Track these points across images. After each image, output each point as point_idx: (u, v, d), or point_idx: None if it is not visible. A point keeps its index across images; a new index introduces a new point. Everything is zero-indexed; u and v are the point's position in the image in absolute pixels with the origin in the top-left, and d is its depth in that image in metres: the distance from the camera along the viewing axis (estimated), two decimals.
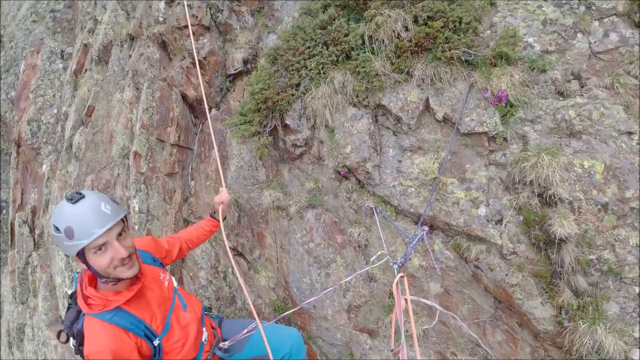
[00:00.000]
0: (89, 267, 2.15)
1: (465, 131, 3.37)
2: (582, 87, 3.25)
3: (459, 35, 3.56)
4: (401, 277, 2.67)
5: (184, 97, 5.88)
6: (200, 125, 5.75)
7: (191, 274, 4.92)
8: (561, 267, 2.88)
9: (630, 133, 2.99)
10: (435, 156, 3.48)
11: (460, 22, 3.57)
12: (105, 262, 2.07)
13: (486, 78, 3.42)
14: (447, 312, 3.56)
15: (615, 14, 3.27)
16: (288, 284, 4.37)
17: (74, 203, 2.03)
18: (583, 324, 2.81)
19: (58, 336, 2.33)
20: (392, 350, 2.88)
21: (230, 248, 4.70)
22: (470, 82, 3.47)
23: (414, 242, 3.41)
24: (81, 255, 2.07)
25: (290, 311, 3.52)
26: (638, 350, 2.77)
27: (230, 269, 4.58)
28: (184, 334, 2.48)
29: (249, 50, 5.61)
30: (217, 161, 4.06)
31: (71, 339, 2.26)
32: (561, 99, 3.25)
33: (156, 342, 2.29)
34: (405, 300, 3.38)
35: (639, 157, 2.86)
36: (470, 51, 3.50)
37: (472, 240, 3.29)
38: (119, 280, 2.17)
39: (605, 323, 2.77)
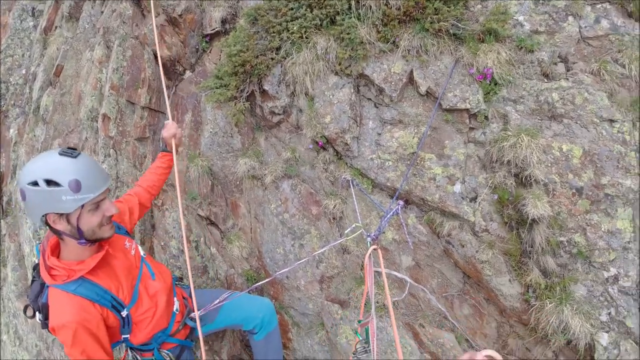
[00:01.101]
0: (73, 228, 1.99)
1: (448, 107, 3.26)
2: (568, 70, 3.17)
3: (449, 7, 3.37)
4: (374, 249, 2.64)
5: (156, 56, 5.47)
6: (174, 87, 5.40)
7: (162, 244, 4.74)
8: (531, 247, 2.89)
9: (611, 120, 2.94)
10: (416, 131, 3.37)
11: None
12: (97, 220, 2.02)
13: (473, 53, 3.28)
14: (417, 285, 3.57)
15: (608, 1, 3.17)
16: (261, 254, 4.28)
17: (75, 157, 1.95)
18: (550, 303, 2.84)
19: (24, 311, 2.18)
20: (359, 322, 2.86)
21: (203, 217, 4.53)
22: (456, 57, 3.33)
23: (389, 215, 3.35)
24: (70, 214, 1.95)
25: (263, 282, 3.44)
26: (606, 334, 2.85)
27: (202, 239, 4.43)
28: (153, 303, 2.39)
29: (228, 9, 5.22)
30: (167, 110, 3.82)
31: (37, 313, 2.12)
32: (546, 80, 3.16)
33: (124, 313, 2.20)
34: (378, 273, 3.35)
35: (618, 145, 2.84)
36: (459, 24, 3.33)
37: (446, 216, 3.26)
38: (98, 241, 2.10)
39: (572, 304, 2.80)
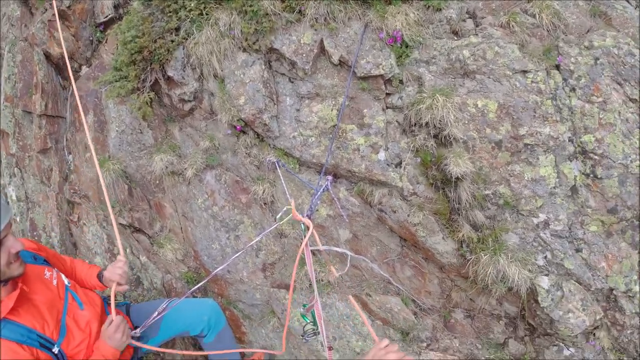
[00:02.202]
0: None
1: (362, 74, 3.03)
2: (477, 26, 3.05)
3: None
4: (307, 228, 2.46)
5: (48, 56, 4.62)
6: (70, 87, 4.64)
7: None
8: (459, 204, 2.82)
9: (524, 72, 2.86)
10: (334, 102, 3.13)
11: None
12: (4, 258, 1.86)
13: (381, 17, 3.06)
14: (357, 257, 3.45)
15: None
16: (197, 253, 3.90)
17: None
18: (484, 255, 2.78)
19: None
20: (304, 306, 2.69)
21: (125, 225, 4.01)
22: (365, 22, 3.09)
23: (319, 193, 3.13)
24: None
25: (203, 282, 3.09)
26: (546, 277, 2.90)
27: (129, 249, 3.92)
28: (86, 334, 2.19)
29: None
30: (86, 131, 3.27)
31: None
32: (456, 38, 3.04)
33: (55, 350, 2.02)
34: (318, 251, 3.15)
35: (534, 95, 2.82)
36: None
37: (375, 185, 3.11)
38: (9, 281, 1.93)
39: (506, 253, 2.76)
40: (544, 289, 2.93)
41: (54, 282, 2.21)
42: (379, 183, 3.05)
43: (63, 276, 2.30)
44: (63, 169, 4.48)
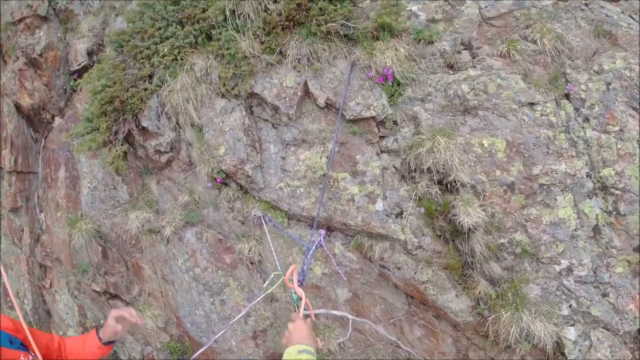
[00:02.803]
0: None
1: (352, 117, 2.68)
2: (474, 57, 2.73)
3: (335, 5, 2.81)
4: (300, 298, 2.17)
5: (18, 107, 4.31)
6: (43, 140, 4.29)
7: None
8: (472, 257, 2.40)
9: (532, 104, 2.51)
10: (322, 149, 2.77)
11: None
12: None
13: (369, 54, 2.76)
14: (359, 320, 3.01)
15: None
16: (180, 320, 3.41)
17: None
18: (505, 312, 2.37)
19: None
20: None
21: (100, 292, 3.53)
22: (351, 60, 2.78)
23: (311, 251, 2.70)
24: None
25: (195, 356, 2.62)
26: (572, 328, 2.48)
27: (102, 322, 3.43)
28: None
29: (94, 39, 4.24)
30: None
31: None
32: (452, 72, 2.71)
33: None
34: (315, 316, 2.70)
35: (545, 129, 2.48)
36: (349, 23, 2.76)
37: (374, 238, 2.70)
38: None
39: (529, 308, 2.37)
40: (570, 340, 2.51)
41: None
42: (379, 236, 2.64)
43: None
44: (34, 228, 4.04)
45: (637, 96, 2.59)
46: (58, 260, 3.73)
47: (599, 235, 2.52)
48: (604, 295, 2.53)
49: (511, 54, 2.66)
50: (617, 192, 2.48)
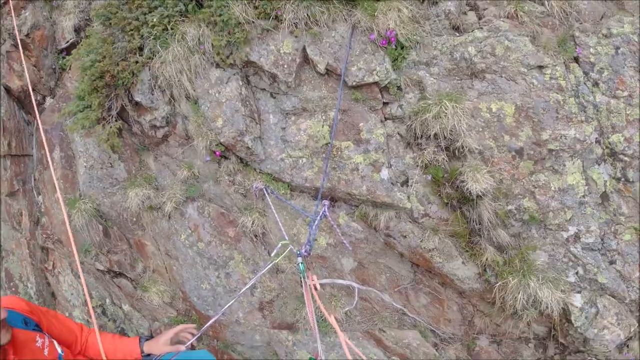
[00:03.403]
0: None
1: (354, 83, 2.46)
2: (480, 18, 2.48)
3: None
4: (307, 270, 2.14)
5: (9, 90, 4.01)
6: (35, 122, 4.02)
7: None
8: (479, 224, 2.27)
9: (541, 67, 2.31)
10: (324, 117, 2.58)
11: None
12: None
13: (370, 16, 2.51)
14: (365, 288, 2.90)
15: None
16: (186, 294, 3.30)
17: None
18: (513, 279, 2.27)
19: None
20: (311, 359, 2.18)
21: (103, 271, 3.39)
22: (352, 23, 2.54)
23: (316, 222, 2.57)
24: None
25: (201, 331, 2.51)
26: (578, 295, 2.39)
27: (107, 299, 3.30)
28: None
29: (80, 15, 3.89)
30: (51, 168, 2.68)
31: None
32: (457, 34, 2.47)
33: None
34: (315, 288, 2.60)
35: (555, 93, 2.30)
36: None
37: (379, 207, 2.55)
38: None
39: (536, 275, 2.26)
40: (577, 307, 2.44)
41: (45, 351, 1.90)
42: (384, 205, 2.49)
43: (56, 344, 1.96)
44: (33, 212, 3.85)
45: None
46: (59, 241, 3.56)
47: (607, 202, 2.40)
48: (611, 262, 2.44)
49: (519, 15, 2.43)
50: (625, 158, 2.35)
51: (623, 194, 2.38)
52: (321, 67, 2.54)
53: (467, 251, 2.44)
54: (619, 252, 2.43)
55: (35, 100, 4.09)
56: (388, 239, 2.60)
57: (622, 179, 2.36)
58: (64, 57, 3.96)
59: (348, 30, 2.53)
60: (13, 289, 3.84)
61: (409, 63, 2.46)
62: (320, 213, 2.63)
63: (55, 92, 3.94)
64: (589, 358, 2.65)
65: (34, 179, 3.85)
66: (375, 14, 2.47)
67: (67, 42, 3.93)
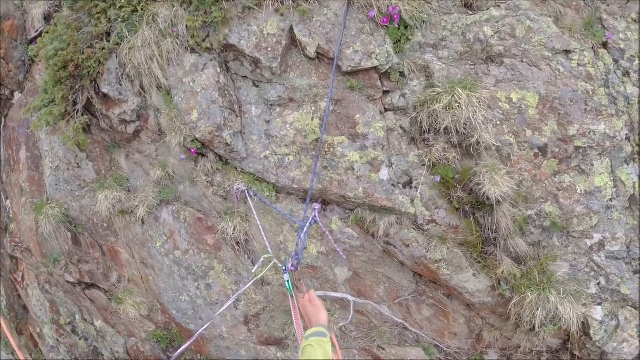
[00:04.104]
0: None
1: (349, 68, 2.00)
2: None
3: None
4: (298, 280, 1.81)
5: None
6: (2, 119, 3.53)
7: (38, 331, 3.08)
8: (495, 233, 1.86)
9: (567, 52, 1.89)
10: (314, 108, 2.12)
11: None
12: None
13: None
14: (362, 301, 2.48)
15: None
16: (164, 306, 2.83)
17: None
18: (531, 294, 1.88)
19: None
20: None
21: (74, 283, 2.91)
22: None
23: (305, 229, 2.13)
24: None
25: (184, 347, 2.07)
26: (599, 307, 1.99)
27: (77, 315, 2.83)
28: None
29: (50, 2, 3.41)
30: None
31: None
32: (470, 12, 2.02)
33: None
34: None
35: (583, 82, 1.87)
36: None
37: (378, 212, 2.10)
38: None
39: (557, 288, 1.88)
40: (597, 320, 2.05)
41: None
42: (384, 210, 2.05)
43: None
44: (2, 217, 3.37)
45: None
46: (28, 250, 3.09)
47: (635, 206, 1.99)
48: (636, 272, 2.04)
49: None
50: None
51: None
52: (311, 50, 2.08)
53: (479, 262, 2.01)
54: None
55: (3, 95, 3.60)
56: (388, 247, 2.16)
57: None
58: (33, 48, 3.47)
59: (343, 6, 2.07)
60: None
61: (413, 45, 2.01)
62: (310, 219, 2.19)
63: (24, 86, 3.44)
64: None
65: (2, 182, 3.36)
66: None
67: (37, 31, 3.42)
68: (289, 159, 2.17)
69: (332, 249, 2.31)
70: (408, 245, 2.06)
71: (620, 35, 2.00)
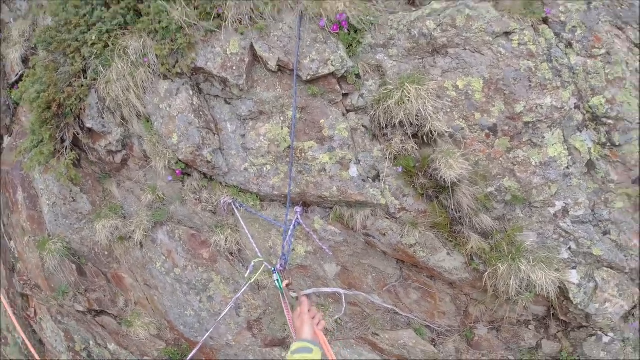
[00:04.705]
0: None
1: (309, 77, 2.22)
2: None
3: None
4: (287, 285, 2.05)
5: None
6: None
7: None
8: (459, 212, 2.08)
9: (507, 33, 2.09)
10: (282, 118, 2.35)
11: None
12: None
13: (317, 1, 2.32)
14: (352, 293, 2.70)
15: None
16: (172, 323, 3.07)
17: None
18: (502, 265, 2.08)
19: None
20: None
21: (84, 312, 3.15)
22: (299, 11, 2.33)
23: (289, 233, 2.36)
24: None
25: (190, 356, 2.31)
26: (574, 271, 2.18)
27: (91, 341, 3.08)
28: None
29: (26, 45, 3.66)
30: None
31: None
32: (414, 9, 2.24)
33: None
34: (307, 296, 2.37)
35: (525, 60, 2.07)
36: None
37: (354, 207, 2.32)
38: None
39: (526, 257, 2.08)
40: (574, 284, 2.25)
41: None
42: (358, 204, 2.27)
43: None
44: (8, 258, 3.63)
45: (621, 13, 2.16)
46: (37, 286, 3.35)
47: (593, 170, 2.19)
48: (605, 233, 2.24)
49: None
50: (609, 121, 2.13)
51: (610, 159, 2.17)
52: (272, 64, 2.32)
53: (450, 241, 2.24)
54: (612, 221, 2.23)
55: None
56: (368, 238, 2.39)
57: (608, 144, 2.15)
58: (17, 91, 3.72)
59: (296, 19, 2.30)
60: (2, 340, 3.65)
61: (365, 47, 2.24)
62: (293, 221, 2.42)
63: (12, 130, 3.70)
64: (594, 331, 2.45)
65: (3, 224, 3.62)
66: None
67: (17, 74, 3.69)
68: (266, 169, 2.40)
69: (318, 247, 2.54)
70: (385, 234, 2.28)
71: (561, 8, 2.19)
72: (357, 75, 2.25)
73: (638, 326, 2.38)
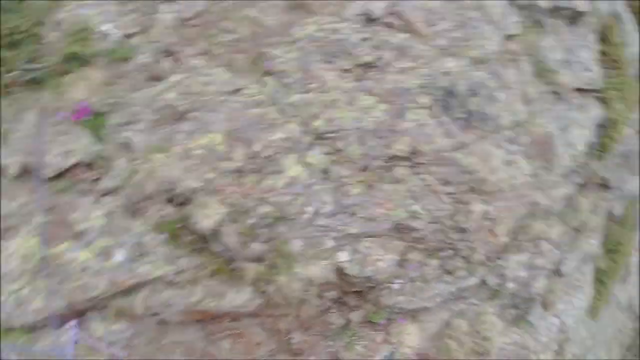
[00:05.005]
0: None
1: (54, 173, 2.11)
2: (177, 62, 2.51)
3: (14, 50, 2.26)
4: None
5: None
6: None
7: None
8: (230, 251, 2.13)
9: (237, 89, 2.42)
10: (31, 227, 2.05)
11: (18, 33, 2.28)
12: None
13: (58, 93, 2.27)
14: None
15: None
16: None
17: None
18: (281, 277, 2.21)
19: None
20: None
21: None
22: (40, 107, 2.24)
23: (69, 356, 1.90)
24: None
25: None
26: (342, 252, 2.38)
27: None
28: None
29: None
30: None
31: None
32: (157, 83, 2.42)
33: None
34: None
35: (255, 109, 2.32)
36: (34, 65, 2.27)
37: (130, 294, 2.10)
38: None
39: (298, 260, 2.27)
40: (346, 261, 2.47)
41: None
42: (134, 287, 2.08)
43: None
44: None
45: (330, 50, 2.67)
46: None
47: (328, 173, 2.51)
48: (353, 214, 2.51)
49: (212, 49, 2.48)
50: (332, 135, 2.51)
51: (339, 162, 2.51)
52: (14, 170, 2.13)
53: (234, 279, 2.25)
54: (355, 204, 2.51)
55: None
56: (157, 317, 2.19)
57: (334, 151, 2.50)
58: None
59: (37, 116, 2.19)
60: None
61: (112, 128, 2.30)
62: (71, 342, 1.97)
63: None
64: (383, 286, 2.59)
65: None
66: (63, 89, 2.25)
67: None
68: (24, 292, 2.07)
69: (110, 355, 2.10)
70: (170, 305, 2.13)
71: (280, 59, 2.61)
72: (106, 158, 2.17)
73: (418, 265, 2.64)
